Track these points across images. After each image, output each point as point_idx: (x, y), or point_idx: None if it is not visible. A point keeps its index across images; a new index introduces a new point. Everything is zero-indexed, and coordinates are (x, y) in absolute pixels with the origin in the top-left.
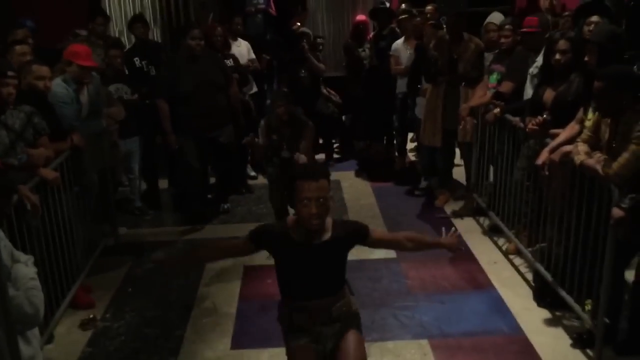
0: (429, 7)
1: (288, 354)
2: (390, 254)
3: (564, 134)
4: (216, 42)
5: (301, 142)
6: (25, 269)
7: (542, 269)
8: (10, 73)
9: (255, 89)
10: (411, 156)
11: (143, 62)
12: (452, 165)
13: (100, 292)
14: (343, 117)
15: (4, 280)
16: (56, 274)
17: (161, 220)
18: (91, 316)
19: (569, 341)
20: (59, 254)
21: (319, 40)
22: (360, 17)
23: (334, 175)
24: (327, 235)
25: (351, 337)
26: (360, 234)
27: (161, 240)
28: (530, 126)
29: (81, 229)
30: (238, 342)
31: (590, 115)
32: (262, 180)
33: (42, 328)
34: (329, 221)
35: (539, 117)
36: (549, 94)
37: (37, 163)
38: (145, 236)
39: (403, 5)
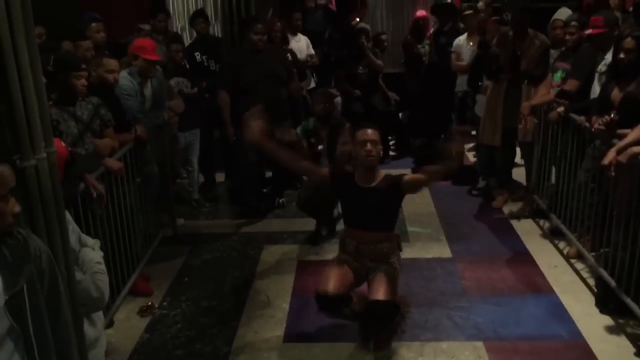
0: (480, 3)
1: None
2: (445, 253)
3: (633, 134)
4: (275, 37)
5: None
6: (92, 253)
7: (605, 274)
8: (83, 66)
9: (313, 84)
10: (470, 156)
11: (203, 57)
12: (512, 165)
13: (158, 280)
14: (400, 114)
15: (72, 264)
16: (117, 261)
17: (217, 212)
18: (149, 303)
19: (632, 350)
20: (121, 243)
21: (382, 37)
22: (420, 12)
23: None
24: (375, 183)
25: (384, 276)
26: (396, 183)
27: (217, 232)
28: (596, 126)
29: (142, 218)
30: (290, 336)
31: None
32: None
33: (103, 312)
34: (380, 172)
35: (606, 117)
36: (616, 93)
37: (103, 153)
38: (201, 228)
39: (480, 2)
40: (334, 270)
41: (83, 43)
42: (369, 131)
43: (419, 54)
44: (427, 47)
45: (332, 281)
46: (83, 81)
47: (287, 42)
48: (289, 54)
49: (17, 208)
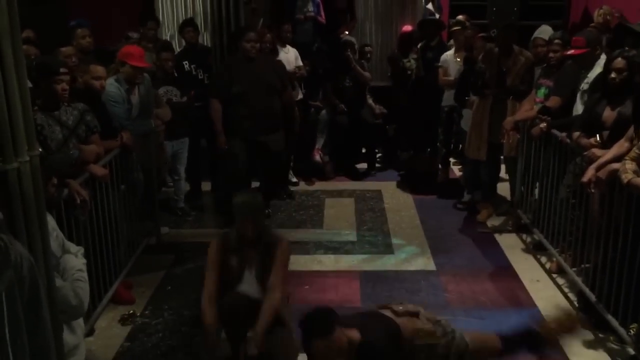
0: (459, 17)
1: None
2: (429, 266)
3: (611, 151)
4: (264, 48)
5: (269, 275)
6: (75, 260)
7: (586, 289)
8: (62, 70)
9: (300, 96)
10: (456, 170)
11: (192, 66)
12: (497, 179)
13: (140, 289)
14: (387, 127)
15: (52, 270)
16: (100, 268)
17: (203, 221)
18: (131, 312)
19: None
20: (104, 250)
21: (366, 48)
22: (407, 27)
23: (376, 186)
24: None
25: None
26: None
27: (202, 242)
28: (587, 145)
29: (125, 226)
30: None
31: None
32: (303, 186)
33: (84, 320)
34: None
35: (595, 139)
36: (608, 113)
37: (88, 159)
38: (186, 237)
39: (459, 17)
40: None
41: (64, 49)
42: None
43: (404, 68)
44: (412, 61)
45: None
46: (64, 85)
47: (275, 54)
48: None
49: None
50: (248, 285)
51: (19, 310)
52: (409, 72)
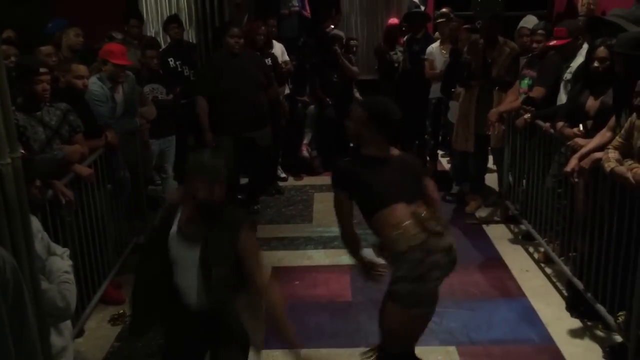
0: (444, 9)
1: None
2: None
3: (594, 140)
4: (259, 40)
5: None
6: (61, 262)
7: (574, 278)
8: (42, 70)
9: (287, 91)
10: (444, 161)
11: (177, 63)
12: (484, 171)
13: (129, 288)
14: None
15: (37, 272)
16: (88, 269)
17: None
18: (121, 312)
19: (601, 353)
20: (91, 250)
21: (352, 42)
22: (392, 20)
23: None
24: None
25: None
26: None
27: None
28: (571, 134)
29: (113, 225)
30: (266, 342)
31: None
32: (292, 182)
33: (73, 322)
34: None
35: (578, 129)
36: (592, 102)
37: (72, 159)
38: None
39: (443, 10)
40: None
41: (43, 48)
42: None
43: (391, 60)
44: (399, 53)
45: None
46: (44, 85)
47: (270, 46)
48: (269, 59)
49: None
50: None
51: (3, 314)
52: (396, 65)
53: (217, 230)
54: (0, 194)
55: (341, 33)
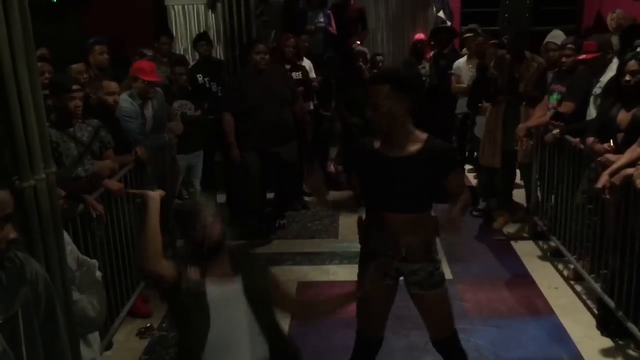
0: (471, 25)
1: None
2: (446, 274)
3: (625, 156)
4: (288, 52)
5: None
6: (90, 273)
7: (605, 296)
8: (74, 87)
9: (312, 107)
10: (471, 177)
11: (206, 79)
12: (512, 186)
13: (157, 301)
14: None
15: (68, 284)
16: (117, 282)
17: None
18: (148, 325)
19: None
20: (120, 263)
21: (378, 58)
22: (419, 35)
23: None
24: (414, 149)
25: (437, 298)
26: (445, 165)
27: None
28: (601, 150)
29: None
30: None
31: None
32: None
33: (102, 334)
34: (420, 136)
35: (609, 144)
36: (623, 115)
37: (103, 174)
38: None
39: (471, 25)
40: (376, 301)
41: (74, 66)
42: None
43: (418, 74)
44: (427, 68)
45: (379, 318)
46: (77, 102)
47: (300, 58)
48: (300, 72)
49: (12, 235)
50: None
51: (35, 327)
52: (423, 79)
53: (249, 277)
54: (34, 208)
55: (365, 49)
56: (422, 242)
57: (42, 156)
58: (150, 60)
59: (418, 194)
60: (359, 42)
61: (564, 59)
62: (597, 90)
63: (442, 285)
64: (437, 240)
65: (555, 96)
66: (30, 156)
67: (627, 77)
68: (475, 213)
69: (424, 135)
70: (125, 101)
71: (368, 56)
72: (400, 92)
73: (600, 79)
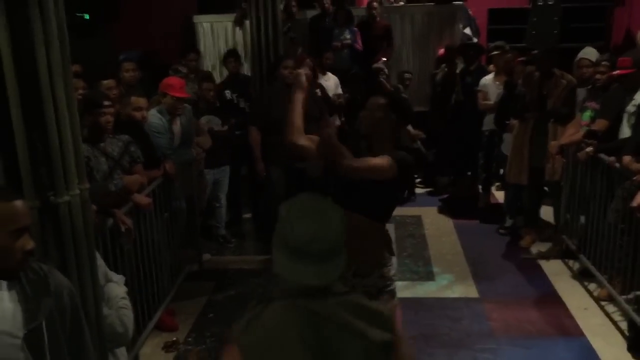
0: (498, 42)
1: None
2: (472, 293)
3: None
4: None
5: None
6: (118, 288)
7: (637, 317)
8: (106, 103)
9: (338, 123)
10: (499, 195)
11: (234, 95)
12: (539, 204)
13: (183, 315)
14: (426, 152)
15: (100, 300)
16: (144, 296)
17: (243, 248)
18: (174, 339)
19: None
20: (148, 277)
21: (406, 75)
22: (443, 51)
23: (416, 211)
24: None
25: None
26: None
27: (243, 268)
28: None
29: (168, 253)
30: None
31: None
32: None
33: (128, 348)
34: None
35: None
36: None
37: (132, 189)
38: (227, 263)
39: (498, 42)
40: None
41: (105, 82)
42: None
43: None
44: (440, 75)
45: None
46: (108, 117)
47: (316, 77)
48: (318, 90)
49: (29, 245)
50: None
51: (60, 339)
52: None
53: None
54: (68, 224)
55: (382, 65)
56: (371, 252)
57: (76, 172)
58: (182, 77)
59: (370, 200)
60: (385, 59)
61: (598, 76)
62: (631, 108)
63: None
64: (463, 257)
65: (588, 113)
66: (65, 172)
67: None
68: (502, 231)
69: (396, 155)
70: (154, 117)
71: (386, 70)
72: (393, 111)
73: (635, 97)
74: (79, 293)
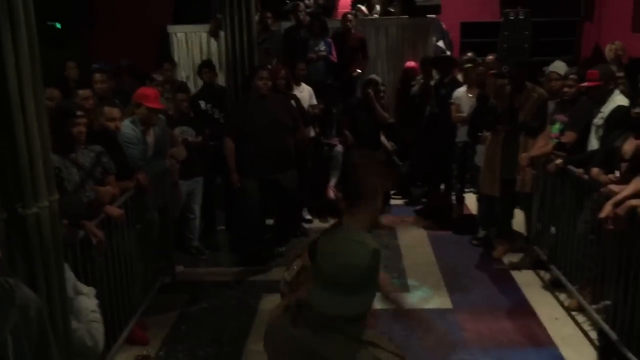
0: (489, 57)
1: None
2: (446, 304)
3: (630, 187)
4: (280, 84)
5: None
6: (88, 301)
7: (606, 327)
8: (79, 113)
9: (312, 134)
10: (472, 205)
11: (208, 105)
12: (512, 215)
13: (155, 329)
14: (399, 164)
15: (68, 313)
16: (115, 309)
17: (217, 260)
18: (145, 353)
19: None
20: (119, 290)
21: (381, 87)
22: (410, 63)
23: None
24: None
25: None
26: None
27: (216, 280)
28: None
29: (141, 266)
30: None
31: None
32: (317, 224)
33: None
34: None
35: (614, 175)
36: (628, 146)
37: (104, 200)
38: (201, 275)
39: (469, 54)
40: None
41: (81, 92)
42: None
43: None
44: (416, 87)
45: None
46: (80, 128)
47: (291, 88)
48: (293, 101)
49: None
50: None
51: (26, 353)
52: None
53: None
54: (36, 236)
55: (378, 78)
56: None
57: (46, 184)
58: (159, 85)
59: None
60: (359, 71)
61: (566, 89)
62: (598, 121)
63: None
64: (437, 267)
65: (557, 126)
66: (33, 183)
67: (638, 110)
68: (475, 242)
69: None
70: (127, 127)
71: (379, 86)
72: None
73: (602, 110)
74: (46, 306)
